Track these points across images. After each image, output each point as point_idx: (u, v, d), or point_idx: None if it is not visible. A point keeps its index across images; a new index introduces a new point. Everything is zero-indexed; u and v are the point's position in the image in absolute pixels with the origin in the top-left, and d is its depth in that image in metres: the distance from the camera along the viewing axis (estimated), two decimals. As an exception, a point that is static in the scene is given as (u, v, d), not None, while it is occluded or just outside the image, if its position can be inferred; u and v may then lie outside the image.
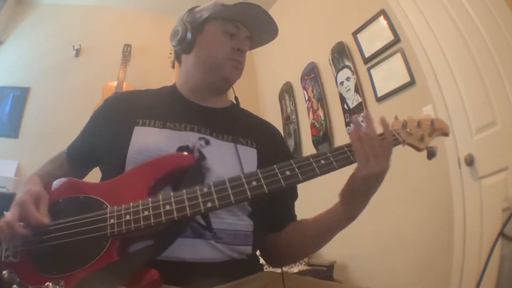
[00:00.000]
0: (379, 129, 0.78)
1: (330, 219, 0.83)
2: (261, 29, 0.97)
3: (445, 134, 0.88)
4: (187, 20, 0.96)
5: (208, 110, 0.96)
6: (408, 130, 0.82)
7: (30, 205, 0.71)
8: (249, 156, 0.90)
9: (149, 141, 0.84)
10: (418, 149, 0.83)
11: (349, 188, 0.78)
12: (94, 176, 0.93)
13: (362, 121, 0.78)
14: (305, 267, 2.27)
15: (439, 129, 0.86)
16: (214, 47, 0.93)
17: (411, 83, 1.95)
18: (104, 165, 0.91)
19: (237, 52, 0.93)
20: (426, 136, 0.82)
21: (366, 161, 0.74)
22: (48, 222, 0.70)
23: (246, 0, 0.92)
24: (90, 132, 0.98)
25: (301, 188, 1.00)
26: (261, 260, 0.94)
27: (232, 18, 0.94)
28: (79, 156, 0.99)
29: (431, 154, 0.82)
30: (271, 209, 0.91)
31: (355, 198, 0.78)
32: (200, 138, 0.87)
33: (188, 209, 0.69)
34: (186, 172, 0.78)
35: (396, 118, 0.86)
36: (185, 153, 0.83)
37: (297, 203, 1.00)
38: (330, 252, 2.34)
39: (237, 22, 0.94)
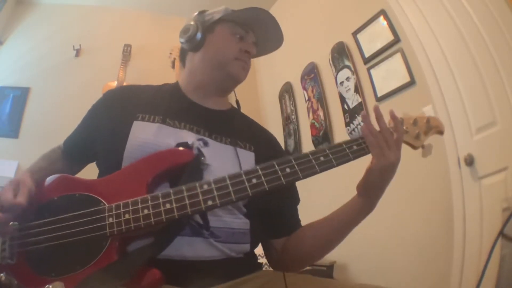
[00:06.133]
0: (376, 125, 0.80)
1: (348, 215, 0.84)
2: (268, 36, 1.00)
3: (441, 132, 0.88)
4: (198, 20, 0.98)
5: (208, 111, 0.96)
6: (404, 128, 0.83)
7: (6, 191, 0.70)
8: (248, 160, 0.90)
9: (148, 136, 0.83)
10: (413, 147, 0.83)
11: (366, 181, 0.80)
12: (90, 173, 0.91)
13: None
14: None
15: (435, 127, 0.86)
16: (223, 46, 0.96)
17: (411, 83, 1.95)
18: (101, 159, 0.90)
19: (244, 54, 0.96)
20: (422, 134, 0.83)
21: (381, 153, 0.77)
22: (23, 202, 0.69)
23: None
24: (88, 125, 0.97)
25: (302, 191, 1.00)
26: (260, 259, 0.94)
27: (242, 22, 0.97)
28: (76, 151, 0.97)
29: (426, 152, 0.83)
30: (275, 214, 0.92)
31: (372, 190, 0.81)
32: (199, 139, 0.87)
33: (188, 207, 0.68)
34: (184, 168, 0.77)
35: None
36: (184, 149, 0.82)
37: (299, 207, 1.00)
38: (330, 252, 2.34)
39: (246, 26, 0.97)
